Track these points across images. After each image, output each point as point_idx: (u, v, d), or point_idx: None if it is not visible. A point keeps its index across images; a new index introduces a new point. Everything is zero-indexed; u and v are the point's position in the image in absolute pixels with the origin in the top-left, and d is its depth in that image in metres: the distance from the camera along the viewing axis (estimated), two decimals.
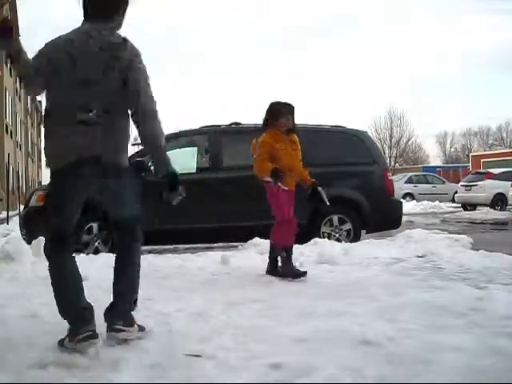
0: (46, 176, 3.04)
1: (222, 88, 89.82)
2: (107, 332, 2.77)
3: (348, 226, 7.60)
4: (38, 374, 2.35)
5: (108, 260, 3.16)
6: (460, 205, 20.64)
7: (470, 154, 44.94)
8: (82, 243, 6.71)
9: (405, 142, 55.52)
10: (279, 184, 4.84)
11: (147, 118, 2.76)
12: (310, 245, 6.54)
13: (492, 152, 41.21)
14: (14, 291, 4.15)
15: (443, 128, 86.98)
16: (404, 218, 8.65)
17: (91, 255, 6.12)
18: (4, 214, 15.45)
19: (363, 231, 7.86)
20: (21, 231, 7.57)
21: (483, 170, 22.49)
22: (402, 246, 6.84)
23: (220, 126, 8.00)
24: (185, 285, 4.48)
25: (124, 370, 2.39)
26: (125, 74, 2.69)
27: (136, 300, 2.90)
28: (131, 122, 2.81)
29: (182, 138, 7.99)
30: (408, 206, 18.62)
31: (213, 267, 5.46)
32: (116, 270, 2.86)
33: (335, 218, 7.58)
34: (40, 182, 46.77)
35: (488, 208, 18.17)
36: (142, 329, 2.88)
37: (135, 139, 3.20)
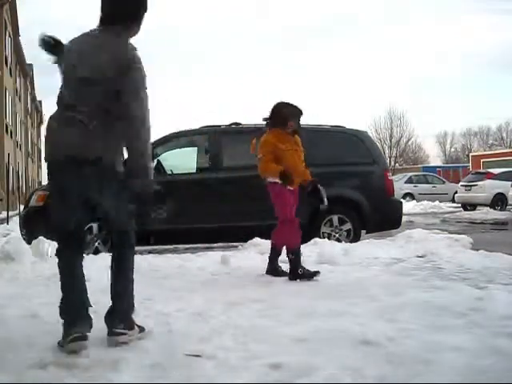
0: (46, 176, 3.03)
1: (221, 88, 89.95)
2: (108, 336, 2.76)
3: (348, 226, 7.60)
4: (38, 374, 2.35)
5: (108, 260, 3.16)
6: (460, 205, 20.65)
7: (470, 154, 44.93)
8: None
9: (405, 142, 55.56)
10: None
11: (134, 124, 2.69)
12: (310, 245, 6.54)
13: (492, 152, 41.20)
14: (13, 291, 4.15)
15: (443, 128, 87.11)
16: (404, 218, 8.66)
17: (91, 255, 6.13)
18: (4, 214, 15.45)
19: (363, 231, 7.86)
20: (21, 231, 7.58)
21: (483, 170, 22.49)
22: (402, 246, 6.85)
23: (220, 126, 8.00)
24: (185, 285, 4.48)
25: (124, 370, 2.39)
26: (119, 76, 2.68)
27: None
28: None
29: (182, 138, 8.00)
30: (408, 206, 18.63)
31: (213, 267, 5.47)
32: (112, 270, 2.86)
33: (335, 218, 7.58)
34: (40, 182, 46.78)
35: (488, 208, 18.17)
36: (142, 329, 2.88)
37: None
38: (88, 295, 2.80)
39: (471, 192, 19.79)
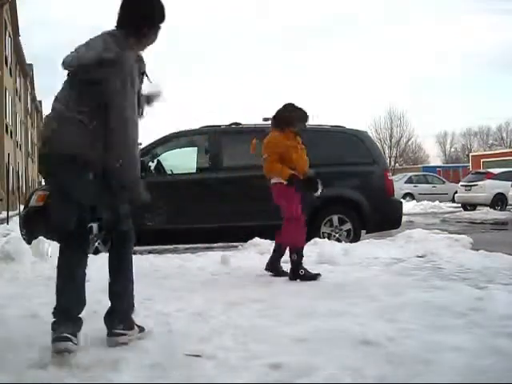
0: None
1: (222, 88, 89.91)
2: (107, 336, 2.76)
3: (348, 226, 7.60)
4: (38, 374, 2.35)
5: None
6: (460, 205, 20.65)
7: (470, 154, 44.95)
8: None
9: (405, 142, 55.57)
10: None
11: (113, 122, 2.66)
12: (310, 245, 6.52)
13: (492, 152, 41.21)
14: (14, 291, 4.16)
15: (443, 128, 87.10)
16: (404, 218, 8.66)
17: (91, 255, 6.11)
18: (4, 214, 15.45)
19: (363, 231, 7.86)
20: (21, 231, 7.58)
21: (483, 170, 22.49)
22: (402, 246, 6.85)
23: (220, 126, 8.00)
24: (185, 285, 4.49)
25: (124, 370, 2.39)
26: (104, 76, 2.66)
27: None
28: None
29: (182, 138, 7.99)
30: (408, 206, 18.63)
31: (213, 267, 5.47)
32: (110, 270, 2.86)
33: (335, 218, 7.58)
34: (40, 182, 46.65)
35: (488, 208, 18.17)
36: (142, 329, 2.88)
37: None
38: (85, 297, 2.76)
39: (471, 192, 19.79)
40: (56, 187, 2.87)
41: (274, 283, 4.66)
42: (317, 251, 5.93)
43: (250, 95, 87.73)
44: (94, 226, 6.85)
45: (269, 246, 6.47)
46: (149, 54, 2.98)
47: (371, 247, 6.73)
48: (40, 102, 48.51)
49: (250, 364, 2.45)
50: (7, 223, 12.78)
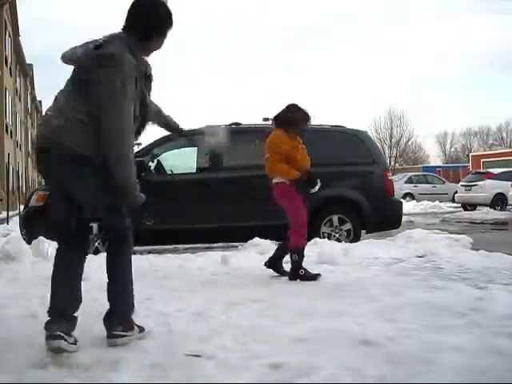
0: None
1: (222, 88, 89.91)
2: (107, 338, 2.76)
3: (348, 226, 7.60)
4: (38, 374, 2.35)
5: None
6: (460, 205, 20.65)
7: (470, 154, 44.95)
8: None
9: (405, 142, 55.58)
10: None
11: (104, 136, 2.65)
12: (310, 245, 6.51)
13: (492, 152, 41.21)
14: (13, 291, 4.15)
15: (443, 128, 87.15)
16: (404, 218, 8.66)
17: (91, 255, 6.12)
18: (4, 214, 15.45)
19: (363, 231, 7.86)
20: (21, 231, 7.58)
21: (483, 170, 22.50)
22: (402, 246, 6.85)
23: (220, 126, 7.99)
24: (185, 285, 4.48)
25: (124, 370, 2.39)
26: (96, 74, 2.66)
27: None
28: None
29: (182, 138, 7.97)
30: (408, 206, 18.62)
31: (213, 267, 5.47)
32: (109, 271, 2.85)
33: (335, 218, 7.58)
34: (40, 182, 46.72)
35: (488, 208, 18.17)
36: (141, 329, 2.88)
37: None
38: (82, 296, 2.75)
39: (471, 192, 19.80)
40: (56, 187, 2.86)
41: (273, 283, 4.66)
42: (317, 251, 5.93)
43: (250, 95, 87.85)
44: (94, 225, 6.85)
45: (269, 246, 6.48)
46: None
47: (371, 247, 6.73)
48: (40, 102, 48.48)
49: (249, 364, 2.45)
50: (7, 223, 12.79)
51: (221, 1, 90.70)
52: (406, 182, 25.27)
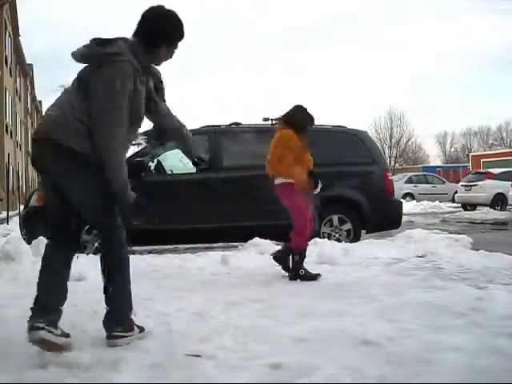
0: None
1: (222, 88, 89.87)
2: (107, 339, 2.75)
3: (348, 226, 7.61)
4: (38, 374, 2.35)
5: None
6: (460, 205, 20.65)
7: (470, 154, 44.95)
8: (81, 243, 6.71)
9: (405, 142, 55.55)
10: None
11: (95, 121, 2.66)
12: (310, 245, 6.48)
13: (492, 152, 41.21)
14: (13, 291, 4.15)
15: (443, 128, 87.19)
16: (404, 218, 8.66)
17: (91, 255, 6.13)
18: (4, 214, 15.44)
19: (363, 231, 7.86)
20: (21, 231, 7.57)
21: (483, 170, 22.50)
22: (402, 246, 6.85)
23: (220, 126, 8.00)
24: (185, 285, 4.48)
25: (124, 370, 2.39)
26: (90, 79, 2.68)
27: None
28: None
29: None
30: (408, 206, 18.63)
31: (213, 267, 5.47)
32: (104, 272, 2.84)
33: (335, 218, 7.58)
34: (40, 182, 46.71)
35: (488, 208, 18.17)
36: (141, 329, 2.88)
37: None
38: (67, 289, 2.75)
39: (471, 192, 19.80)
40: (50, 186, 2.86)
41: (273, 283, 4.66)
42: (317, 251, 5.93)
43: (250, 95, 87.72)
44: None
45: (269, 246, 6.48)
46: None
47: (371, 247, 6.73)
48: (40, 101, 48.48)
49: (250, 364, 2.45)
50: (7, 223, 12.77)
51: (221, 1, 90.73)
52: (405, 182, 25.28)
